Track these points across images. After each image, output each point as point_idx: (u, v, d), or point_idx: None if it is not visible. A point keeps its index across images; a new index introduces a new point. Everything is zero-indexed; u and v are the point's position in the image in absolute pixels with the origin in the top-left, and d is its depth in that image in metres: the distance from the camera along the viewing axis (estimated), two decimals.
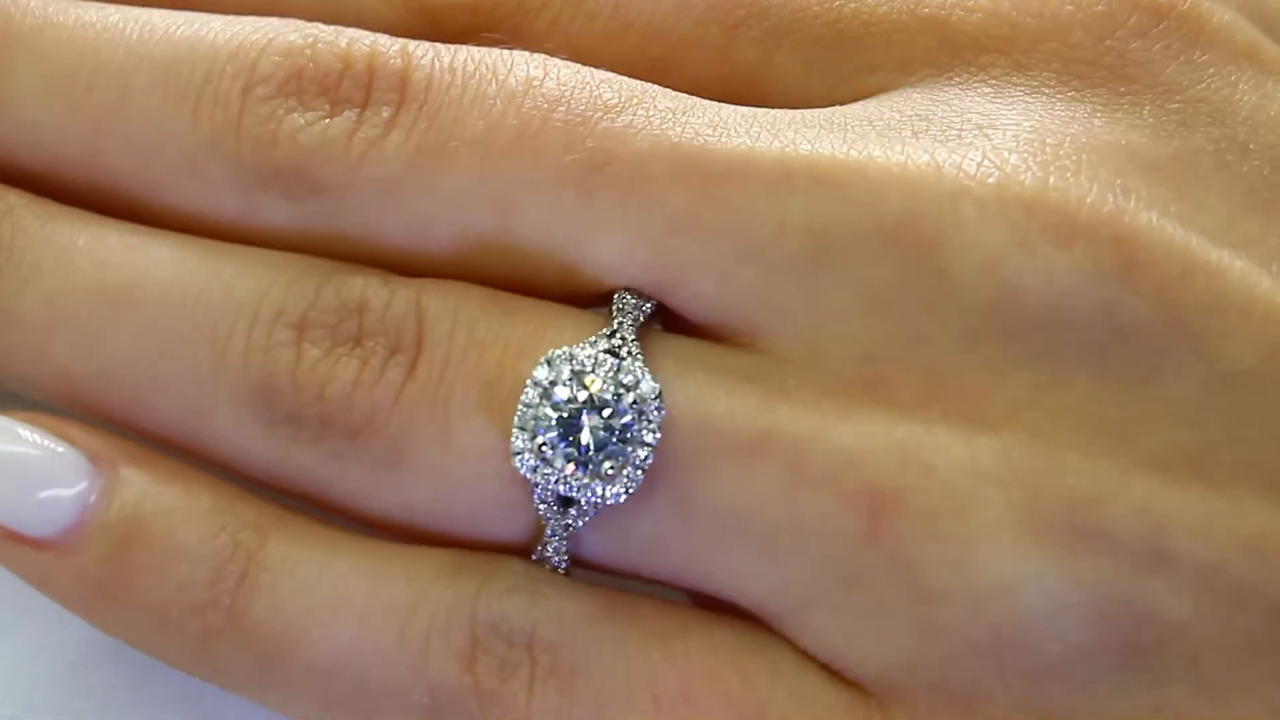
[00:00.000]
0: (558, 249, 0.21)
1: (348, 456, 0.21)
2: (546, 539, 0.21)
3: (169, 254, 0.22)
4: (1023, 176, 0.20)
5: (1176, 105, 0.21)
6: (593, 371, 0.20)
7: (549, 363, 0.20)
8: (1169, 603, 0.19)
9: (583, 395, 0.20)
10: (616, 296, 0.21)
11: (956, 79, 0.21)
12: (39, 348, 0.22)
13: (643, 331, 0.21)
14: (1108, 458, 0.19)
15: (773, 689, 0.21)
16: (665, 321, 0.22)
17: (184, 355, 0.21)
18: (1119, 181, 0.20)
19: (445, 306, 0.21)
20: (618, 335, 0.20)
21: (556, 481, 0.20)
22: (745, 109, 0.21)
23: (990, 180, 0.20)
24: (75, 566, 0.21)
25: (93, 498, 0.21)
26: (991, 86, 0.21)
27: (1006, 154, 0.20)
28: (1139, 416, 0.19)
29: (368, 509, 0.21)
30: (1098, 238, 0.19)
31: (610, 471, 0.20)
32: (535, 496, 0.21)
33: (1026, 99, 0.21)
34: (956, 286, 0.19)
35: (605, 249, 0.20)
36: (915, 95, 0.21)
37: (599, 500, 0.20)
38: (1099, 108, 0.21)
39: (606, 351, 0.20)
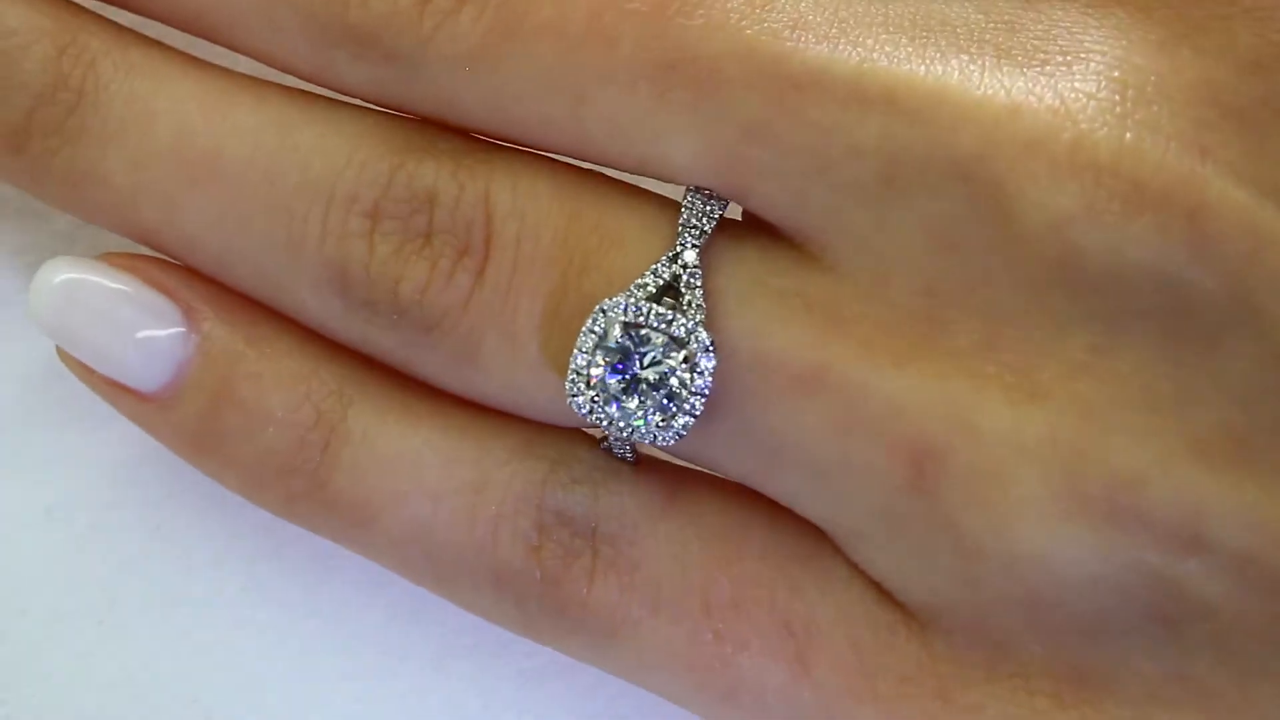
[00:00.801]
0: (631, 143, 0.20)
1: (423, 345, 0.21)
2: (611, 440, 0.22)
3: (247, 121, 0.22)
4: (1098, 133, 0.19)
5: (1276, 34, 0.19)
6: (646, 325, 0.20)
7: (604, 311, 0.20)
8: (1201, 583, 0.19)
9: (634, 347, 0.20)
10: (685, 200, 0.20)
11: None
12: (127, 208, 0.22)
13: (709, 240, 0.21)
14: (1153, 438, 0.19)
15: (820, 600, 0.21)
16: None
17: (262, 233, 0.22)
18: (1198, 139, 0.19)
19: (514, 206, 0.21)
20: (680, 260, 0.20)
21: (610, 425, 0.21)
22: (827, 6, 0.20)
23: (1065, 136, 0.19)
24: (173, 420, 0.23)
25: (187, 354, 0.22)
26: None
27: (1086, 100, 0.19)
28: (1191, 391, 0.19)
29: (445, 387, 0.22)
30: (1168, 208, 0.19)
31: (661, 422, 0.20)
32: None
33: (1118, 13, 0.20)
34: (1023, 237, 0.19)
35: (677, 150, 0.20)
36: None
37: (652, 441, 0.21)
38: (1191, 31, 0.20)
39: (666, 286, 0.20)
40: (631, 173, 0.21)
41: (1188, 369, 0.19)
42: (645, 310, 0.20)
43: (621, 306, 0.20)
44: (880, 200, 0.19)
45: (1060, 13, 0.20)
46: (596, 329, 0.20)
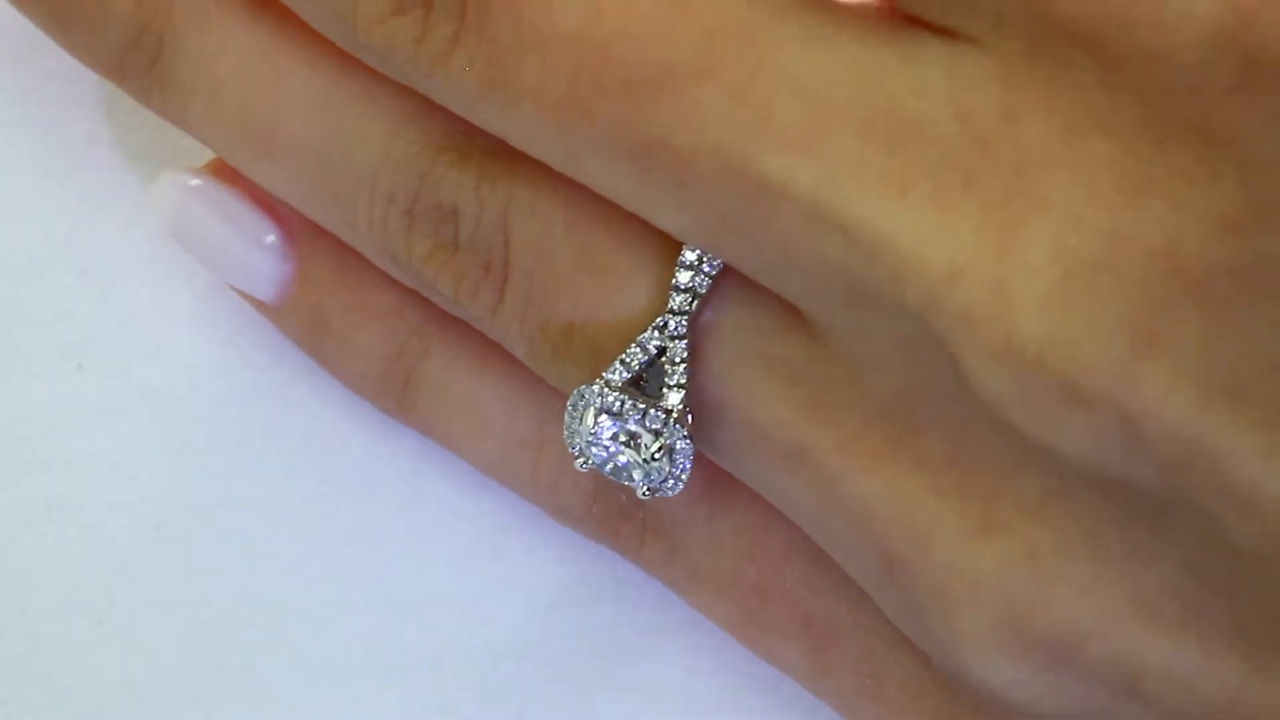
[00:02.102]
0: (625, 204, 0.20)
1: (475, 321, 0.22)
2: None
3: (299, 92, 0.22)
4: (1031, 323, 0.17)
5: (1260, 189, 0.17)
6: (620, 414, 0.20)
7: (582, 396, 0.20)
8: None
9: (613, 432, 0.21)
10: (680, 261, 0.20)
11: (1040, 72, 0.18)
12: (218, 152, 0.24)
13: (705, 297, 0.20)
14: (1099, 593, 0.19)
15: (837, 607, 0.22)
16: None
17: (322, 206, 0.23)
18: (1145, 326, 0.17)
19: (528, 236, 0.21)
20: (668, 331, 0.20)
21: (609, 476, 0.21)
22: (810, 86, 0.18)
23: (998, 321, 0.17)
24: (284, 327, 0.25)
25: (285, 275, 0.24)
26: (1072, 103, 0.18)
27: (1027, 279, 0.17)
28: (1140, 548, 0.18)
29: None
30: (1098, 411, 0.17)
31: (649, 489, 0.21)
32: None
33: (1097, 144, 0.18)
34: (971, 390, 0.18)
35: (666, 221, 0.20)
36: (996, 73, 0.18)
37: (653, 495, 0.21)
38: (1172, 176, 0.17)
39: (654, 357, 0.20)
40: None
41: (1137, 527, 0.18)
42: (618, 403, 0.20)
43: (597, 399, 0.20)
44: (850, 307, 0.19)
45: (1035, 133, 0.18)
46: (578, 409, 0.21)
